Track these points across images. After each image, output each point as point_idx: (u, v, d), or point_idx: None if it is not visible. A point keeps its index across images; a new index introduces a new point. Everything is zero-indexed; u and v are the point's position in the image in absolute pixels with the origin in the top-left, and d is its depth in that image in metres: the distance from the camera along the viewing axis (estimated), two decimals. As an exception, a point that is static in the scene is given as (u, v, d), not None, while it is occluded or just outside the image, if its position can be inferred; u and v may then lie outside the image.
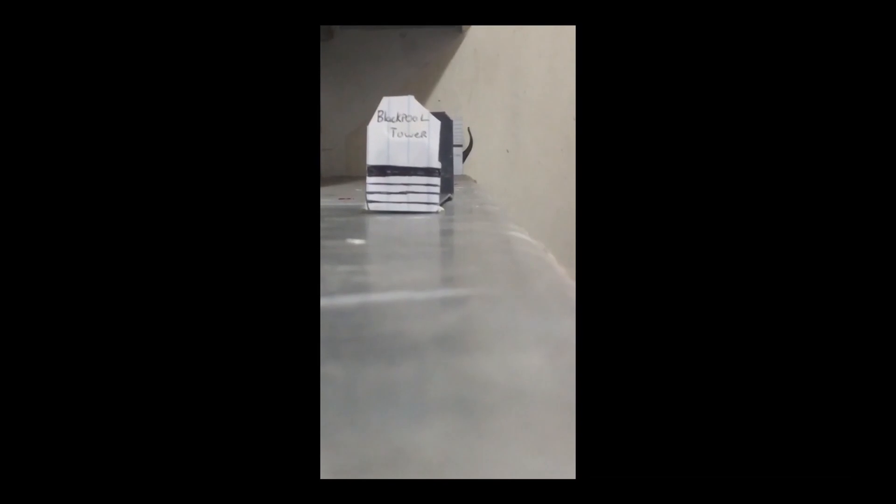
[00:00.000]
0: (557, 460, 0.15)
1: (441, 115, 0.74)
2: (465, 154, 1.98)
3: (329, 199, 0.98)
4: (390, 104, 0.72)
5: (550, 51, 2.03)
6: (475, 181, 1.79)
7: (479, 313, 0.30)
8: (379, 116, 0.72)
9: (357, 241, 0.53)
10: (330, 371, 0.21)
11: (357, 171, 1.96)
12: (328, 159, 2.07)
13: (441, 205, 0.75)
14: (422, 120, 0.72)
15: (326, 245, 0.50)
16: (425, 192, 0.72)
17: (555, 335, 0.26)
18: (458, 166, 1.85)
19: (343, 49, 2.03)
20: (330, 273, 0.38)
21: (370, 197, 0.73)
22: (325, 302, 0.31)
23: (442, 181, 0.74)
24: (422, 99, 2.04)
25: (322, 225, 0.64)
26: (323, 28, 1.98)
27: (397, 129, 0.72)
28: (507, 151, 2.05)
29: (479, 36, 2.03)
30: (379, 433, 0.17)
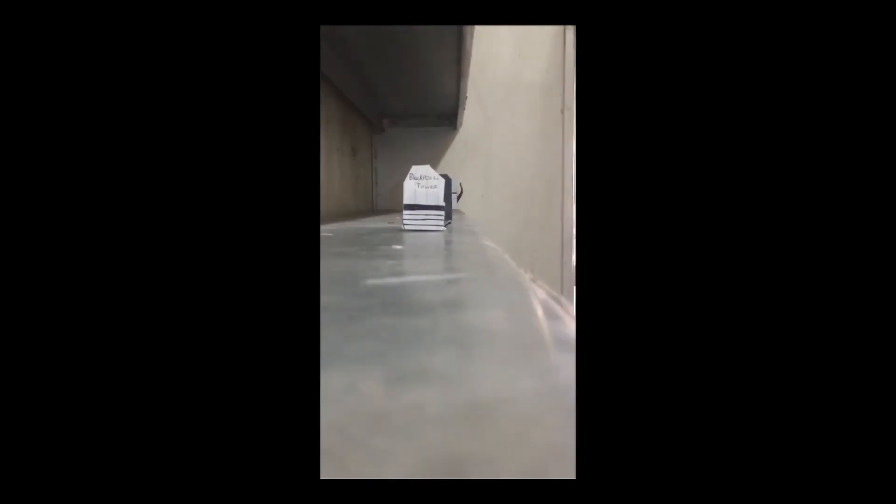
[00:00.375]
0: (519, 371, 0.15)
1: (445, 176, 0.75)
2: (458, 197, 1.98)
3: (381, 222, 0.98)
4: (416, 170, 0.72)
5: (511, 140, 2.03)
6: (463, 213, 1.79)
7: (467, 288, 0.29)
8: (410, 177, 0.72)
9: (397, 247, 0.52)
10: (385, 321, 0.21)
11: (398, 206, 1.97)
12: (382, 200, 2.07)
13: (444, 226, 0.75)
14: (434, 178, 0.72)
15: (380, 249, 0.50)
16: (436, 219, 0.72)
17: (510, 301, 0.26)
18: (454, 204, 1.85)
19: (390, 139, 2.04)
20: (382, 265, 0.38)
21: (405, 222, 0.73)
22: (379, 281, 0.30)
23: (445, 212, 0.74)
24: (433, 167, 2.04)
25: (378, 237, 0.63)
26: (375, 124, 1.97)
27: (421, 184, 0.72)
28: (482, 196, 2.05)
29: (465, 133, 2.04)
30: (410, 357, 0.16)
